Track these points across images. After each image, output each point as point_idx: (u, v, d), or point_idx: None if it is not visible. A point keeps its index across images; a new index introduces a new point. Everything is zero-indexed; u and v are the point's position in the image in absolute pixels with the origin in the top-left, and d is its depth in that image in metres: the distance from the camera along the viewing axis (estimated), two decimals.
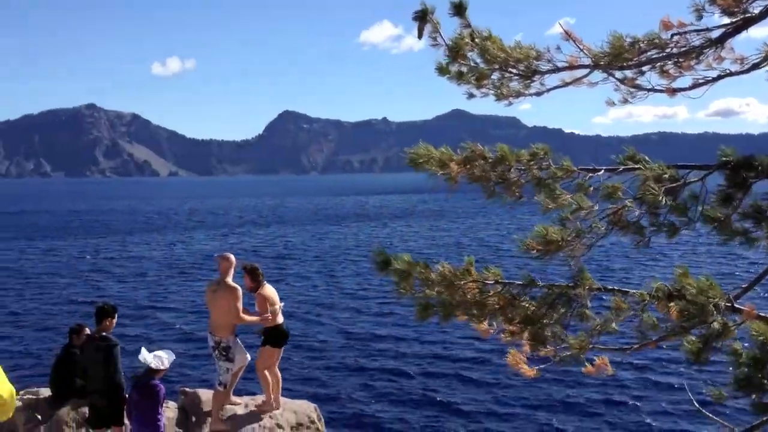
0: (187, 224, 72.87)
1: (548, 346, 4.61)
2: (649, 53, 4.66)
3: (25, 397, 9.40)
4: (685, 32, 4.45)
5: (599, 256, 37.76)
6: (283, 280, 32.62)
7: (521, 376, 4.89)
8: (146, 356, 7.79)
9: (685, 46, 4.53)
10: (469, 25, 4.58)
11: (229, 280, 8.70)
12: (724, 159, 4.31)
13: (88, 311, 26.04)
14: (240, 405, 9.19)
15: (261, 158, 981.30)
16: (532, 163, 4.45)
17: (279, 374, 9.23)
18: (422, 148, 4.54)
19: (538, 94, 4.79)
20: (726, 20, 4.36)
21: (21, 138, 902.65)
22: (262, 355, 9.10)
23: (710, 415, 5.70)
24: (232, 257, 8.96)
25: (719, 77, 4.66)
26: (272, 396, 9.19)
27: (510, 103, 4.79)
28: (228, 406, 9.08)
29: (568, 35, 4.61)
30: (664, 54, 4.69)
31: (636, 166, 4.32)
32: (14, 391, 4.45)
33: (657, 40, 4.46)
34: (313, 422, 9.13)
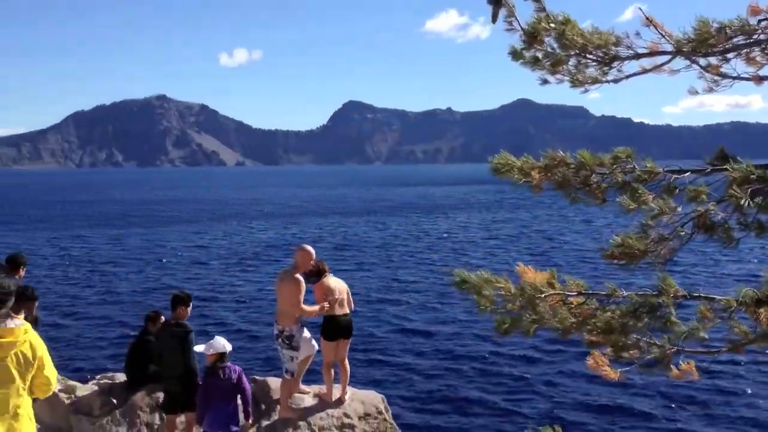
0: (251, 213, 73.98)
1: (631, 351, 4.53)
2: (735, 39, 4.47)
3: (101, 381, 9.66)
4: None
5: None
6: (343, 270, 32.83)
7: (601, 378, 4.78)
8: (219, 343, 7.87)
9: None
10: (544, 10, 4.46)
11: (295, 271, 8.72)
12: None
13: (158, 299, 26.81)
14: (308, 394, 9.25)
15: (325, 148, 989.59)
16: (615, 166, 4.36)
17: (347, 366, 9.22)
18: (503, 156, 4.59)
19: (616, 81, 4.63)
20: None
21: (94, 128, 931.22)
22: (322, 347, 9.16)
23: None
24: (309, 249, 8.96)
25: None
26: (331, 388, 9.22)
27: (586, 90, 4.66)
28: (296, 395, 9.15)
29: (649, 20, 4.45)
30: (751, 40, 4.49)
31: (723, 167, 4.15)
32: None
33: (746, 26, 4.27)
34: (380, 413, 9.12)
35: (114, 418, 8.87)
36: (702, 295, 4.53)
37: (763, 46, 4.56)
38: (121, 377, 9.70)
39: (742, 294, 4.20)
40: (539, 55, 4.52)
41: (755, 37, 4.47)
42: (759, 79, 4.70)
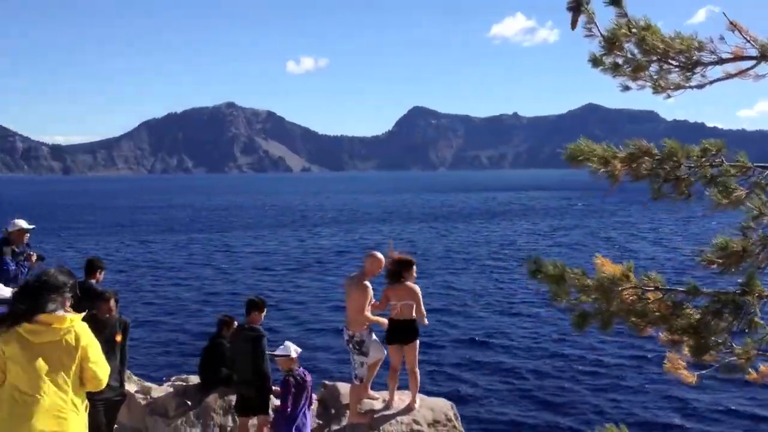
0: (315, 219, 74.69)
1: (711, 353, 4.35)
2: None
3: (175, 383, 9.89)
4: None
5: None
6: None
7: (680, 381, 4.66)
8: (289, 347, 7.96)
9: None
10: (625, 15, 4.39)
11: (364, 278, 8.76)
12: None
13: (228, 303, 27.30)
14: (378, 400, 9.27)
15: (390, 154, 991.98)
16: (704, 159, 4.20)
17: (416, 373, 9.18)
18: (583, 143, 4.39)
19: (700, 86, 4.52)
20: None
21: (165, 136, 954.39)
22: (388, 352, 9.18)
23: None
24: (378, 256, 8.99)
25: None
26: (393, 394, 9.21)
27: (668, 96, 4.55)
28: (366, 401, 9.18)
29: (733, 25, 4.34)
30: None
31: None
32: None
33: None
34: (450, 420, 9.08)
35: (188, 420, 9.06)
36: None
37: None
38: (194, 380, 9.90)
39: None
40: (619, 61, 4.45)
41: None
42: None
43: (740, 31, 4.36)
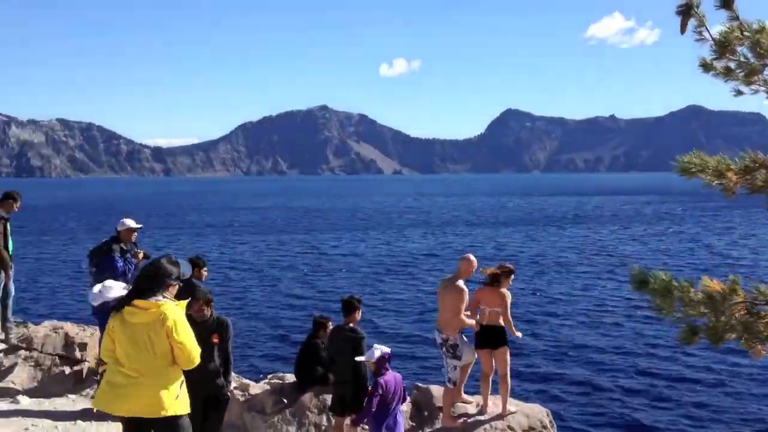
0: (405, 222, 74.75)
1: None
2: None
3: (272, 381, 10.14)
4: None
5: None
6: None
7: None
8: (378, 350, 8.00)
9: None
10: (737, 18, 4.24)
11: (459, 280, 8.82)
12: None
13: (321, 303, 27.77)
14: (471, 404, 9.26)
15: (483, 157, 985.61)
16: None
17: (507, 379, 9.13)
18: (696, 155, 4.33)
19: None
20: None
21: (261, 138, 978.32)
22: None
23: None
24: (472, 258, 9.05)
25: None
26: (486, 399, 9.17)
27: None
28: (459, 404, 9.18)
29: None
30: None
31: None
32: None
33: None
34: (545, 427, 8.96)
35: (284, 417, 9.27)
36: None
37: None
38: (290, 378, 10.12)
39: None
40: (731, 65, 4.30)
41: None
42: None
43: None
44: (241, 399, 9.68)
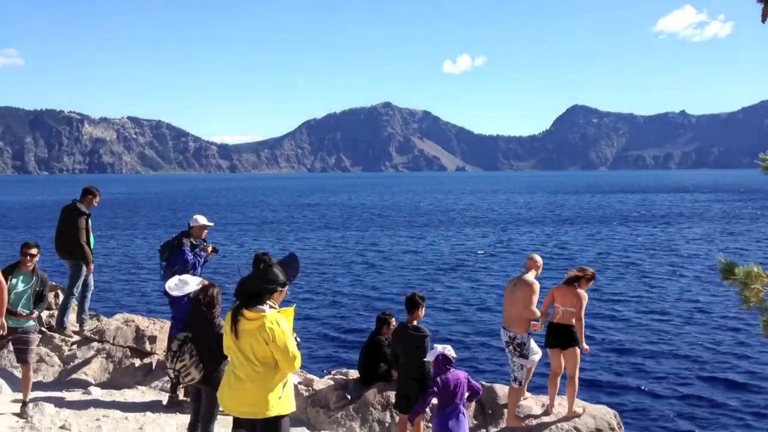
0: (466, 219, 74.26)
1: None
2: None
3: (336, 376, 10.20)
4: None
5: None
6: (555, 279, 31.85)
7: None
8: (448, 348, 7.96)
9: None
10: None
11: (529, 275, 8.81)
12: None
13: (383, 300, 27.83)
14: (536, 404, 9.14)
15: (548, 153, 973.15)
16: None
17: (574, 380, 9.00)
18: None
19: None
20: None
21: (325, 135, 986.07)
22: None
23: None
24: (538, 258, 9.10)
25: None
26: (553, 399, 9.07)
27: None
28: (524, 404, 9.09)
29: None
30: None
31: None
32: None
33: None
34: (612, 429, 8.78)
35: (348, 413, 9.32)
36: None
37: None
38: (354, 374, 10.16)
39: None
40: None
41: None
42: None
43: None
44: (306, 394, 9.77)
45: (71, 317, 11.80)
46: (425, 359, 7.95)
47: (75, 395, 9.84)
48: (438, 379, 7.63)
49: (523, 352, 8.77)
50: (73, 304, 11.70)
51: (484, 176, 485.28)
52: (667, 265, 37.55)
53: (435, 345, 7.93)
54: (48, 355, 11.04)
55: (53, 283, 13.43)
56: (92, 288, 11.75)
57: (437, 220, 73.63)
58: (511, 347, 8.86)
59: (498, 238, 52.77)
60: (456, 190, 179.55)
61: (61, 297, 12.02)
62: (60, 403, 9.22)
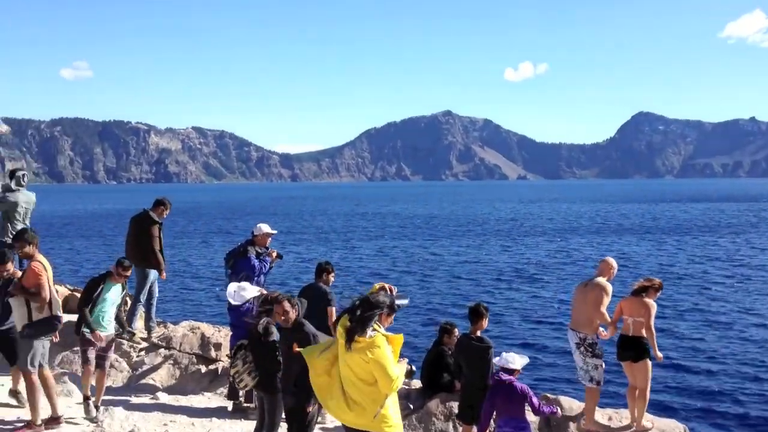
0: (526, 229, 73.21)
1: None
2: None
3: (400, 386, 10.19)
4: None
5: None
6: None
7: None
8: (512, 357, 7.88)
9: None
10: None
11: (601, 278, 8.77)
12: None
13: (441, 309, 27.73)
14: (602, 417, 8.99)
15: (612, 161, 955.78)
16: None
17: (644, 393, 8.86)
18: None
19: None
20: None
21: (385, 144, 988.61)
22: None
23: None
24: (611, 261, 9.10)
25: None
26: (631, 412, 8.91)
27: None
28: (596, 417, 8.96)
29: None
30: None
31: None
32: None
33: None
34: None
35: (411, 423, 9.30)
36: None
37: None
38: (416, 384, 10.15)
39: None
40: None
41: None
42: None
43: None
44: None
45: (139, 324, 12.10)
46: (498, 369, 7.88)
47: (143, 400, 10.08)
48: (501, 389, 7.58)
49: (596, 351, 8.77)
50: (140, 311, 12.02)
51: (546, 185, 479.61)
52: (734, 276, 36.46)
53: (504, 353, 7.89)
54: (117, 361, 11.32)
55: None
56: (157, 295, 12.04)
57: (496, 229, 73.05)
58: (582, 348, 8.82)
59: (557, 248, 51.97)
60: (517, 198, 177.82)
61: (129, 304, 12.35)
62: (129, 407, 9.45)
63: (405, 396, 9.68)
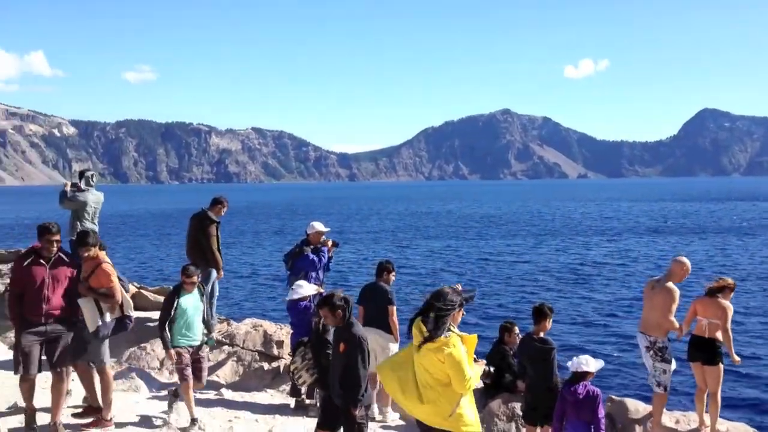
0: (584, 228, 71.93)
1: None
2: None
3: None
4: None
5: None
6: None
7: None
8: (585, 360, 7.76)
9: None
10: None
11: (669, 282, 8.53)
12: None
13: (497, 310, 27.48)
14: (669, 419, 8.80)
15: (675, 159, 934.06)
16: None
17: (716, 397, 8.64)
18: None
19: None
20: None
21: (443, 143, 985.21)
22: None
23: None
24: (684, 260, 8.80)
25: None
26: (700, 416, 8.70)
27: None
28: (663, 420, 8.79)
29: None
30: None
31: None
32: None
33: None
34: None
35: None
36: None
37: None
38: (479, 384, 10.09)
39: None
40: None
41: None
42: None
43: None
44: None
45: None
46: (574, 370, 7.73)
47: (208, 396, 10.25)
48: (567, 391, 7.49)
49: (665, 356, 8.55)
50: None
51: (608, 183, 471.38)
52: None
53: (579, 355, 7.79)
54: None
55: None
56: (217, 294, 12.25)
57: (555, 228, 72.03)
58: (651, 352, 8.62)
59: (617, 248, 50.91)
60: (577, 197, 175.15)
61: None
62: (195, 403, 9.62)
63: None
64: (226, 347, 11.74)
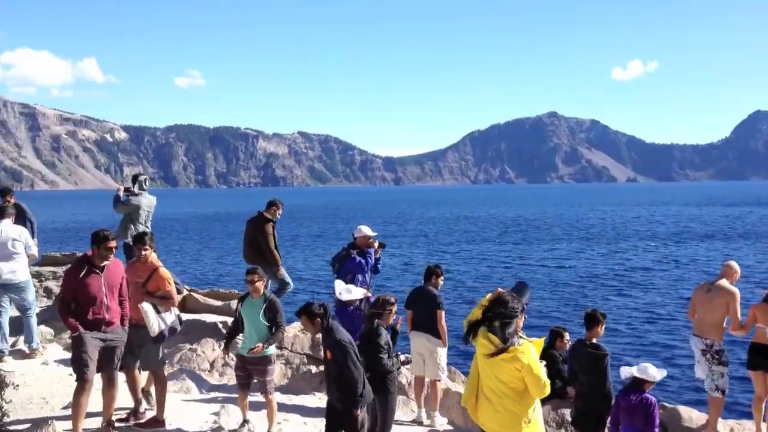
0: (633, 233, 70.41)
1: None
2: None
3: None
4: None
5: None
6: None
7: None
8: (643, 368, 7.64)
9: None
10: None
11: (725, 281, 8.40)
12: None
13: (544, 315, 27.19)
14: (724, 428, 8.62)
15: (728, 162, 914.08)
16: None
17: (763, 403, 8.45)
18: None
19: None
20: None
21: (489, 147, 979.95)
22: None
23: None
24: (734, 265, 8.78)
25: None
26: (757, 425, 8.48)
27: None
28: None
29: None
30: None
31: None
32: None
33: None
34: None
35: None
36: None
37: None
38: None
39: None
40: None
41: None
42: None
43: None
44: None
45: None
46: (625, 377, 7.65)
47: (257, 398, 10.35)
48: (625, 398, 7.40)
49: (722, 359, 8.45)
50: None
51: (658, 187, 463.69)
52: None
53: (642, 363, 7.69)
54: (232, 359, 11.68)
55: (234, 291, 14.27)
56: (291, 285, 12.63)
57: (602, 233, 70.99)
58: (708, 355, 8.52)
59: (666, 254, 49.91)
60: (625, 202, 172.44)
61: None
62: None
63: None
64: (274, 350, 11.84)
